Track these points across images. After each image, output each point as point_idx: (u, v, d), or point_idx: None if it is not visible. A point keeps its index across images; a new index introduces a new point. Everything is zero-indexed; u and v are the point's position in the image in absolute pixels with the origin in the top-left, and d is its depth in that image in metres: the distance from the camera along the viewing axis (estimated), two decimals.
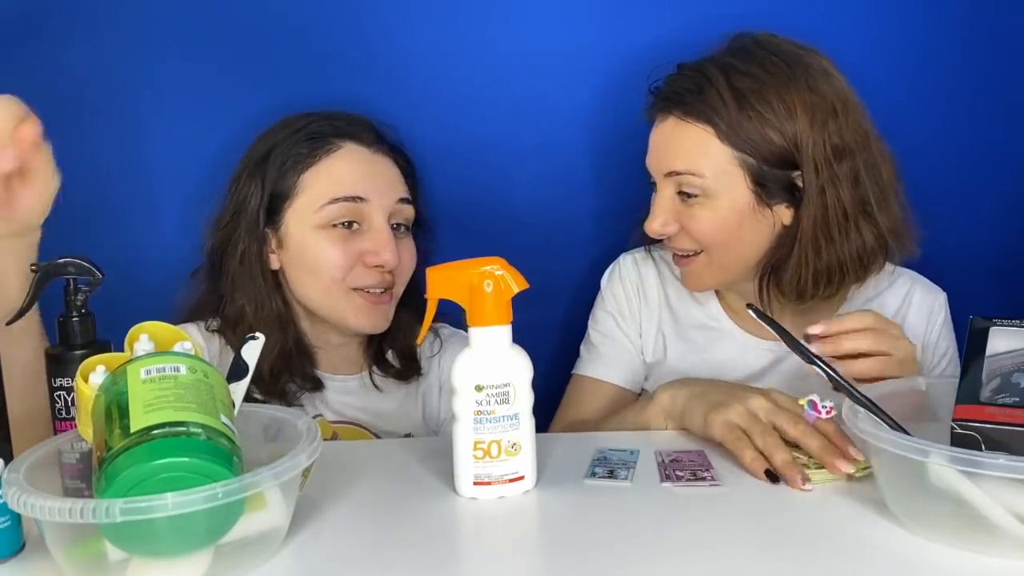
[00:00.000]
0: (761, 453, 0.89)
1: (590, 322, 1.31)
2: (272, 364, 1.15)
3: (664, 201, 1.14)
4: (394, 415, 1.25)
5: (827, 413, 0.90)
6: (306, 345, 1.20)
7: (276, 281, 1.18)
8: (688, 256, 1.16)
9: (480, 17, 1.36)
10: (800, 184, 1.09)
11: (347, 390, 1.23)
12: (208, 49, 1.33)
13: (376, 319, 1.17)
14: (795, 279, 1.11)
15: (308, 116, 1.19)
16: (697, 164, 1.10)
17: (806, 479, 0.85)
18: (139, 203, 1.35)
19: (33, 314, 0.91)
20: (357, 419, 1.22)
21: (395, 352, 1.25)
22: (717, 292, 1.25)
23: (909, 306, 1.22)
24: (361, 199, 1.14)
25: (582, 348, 1.31)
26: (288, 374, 1.17)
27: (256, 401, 1.14)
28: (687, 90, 1.12)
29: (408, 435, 1.24)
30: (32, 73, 1.31)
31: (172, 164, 1.35)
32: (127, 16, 1.31)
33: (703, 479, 0.89)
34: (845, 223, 1.09)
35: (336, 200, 1.13)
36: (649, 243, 1.27)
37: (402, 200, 1.18)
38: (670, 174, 1.12)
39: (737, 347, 1.22)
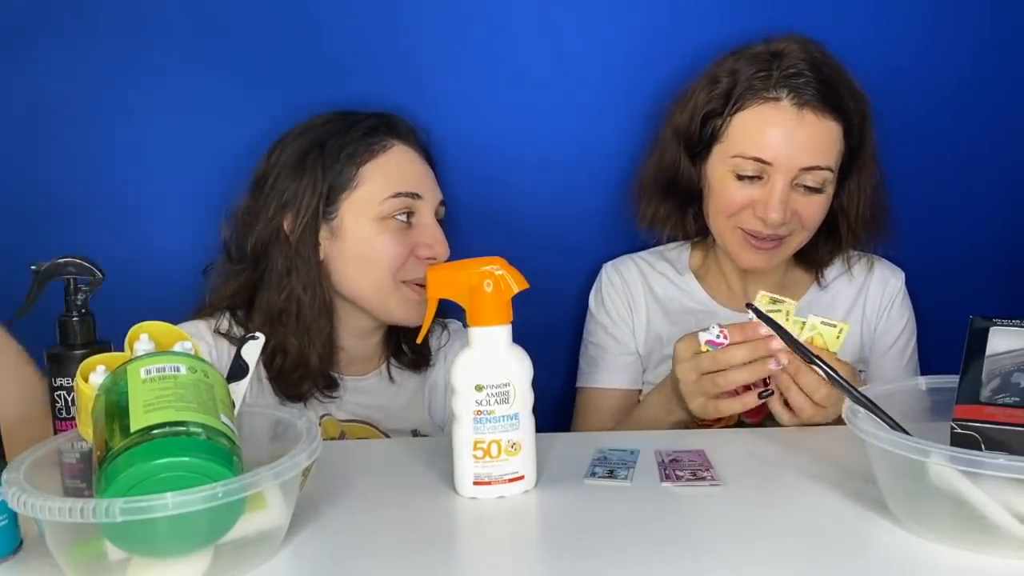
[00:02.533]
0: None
1: (584, 335, 1.37)
2: (320, 352, 1.17)
3: (785, 193, 1.16)
4: (402, 411, 1.26)
5: (725, 337, 0.99)
6: (331, 343, 1.20)
7: (322, 272, 1.19)
8: (779, 239, 1.19)
9: (482, 19, 1.35)
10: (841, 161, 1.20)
11: (360, 389, 1.24)
12: (216, 50, 1.33)
13: (421, 311, 1.20)
14: (831, 252, 1.28)
15: (354, 113, 1.22)
16: (830, 159, 1.17)
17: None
18: (140, 203, 1.35)
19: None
20: (367, 417, 1.23)
21: (408, 344, 1.27)
22: (698, 275, 1.32)
23: (871, 280, 1.31)
24: (418, 196, 1.19)
25: (581, 361, 1.36)
26: (323, 366, 1.18)
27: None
28: (822, 84, 1.15)
29: (415, 431, 1.25)
30: (33, 73, 1.31)
31: (173, 164, 1.34)
32: (131, 17, 1.31)
33: (703, 479, 0.89)
34: (870, 204, 1.25)
35: (399, 194, 1.17)
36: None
37: (441, 202, 1.23)
38: (805, 169, 1.15)
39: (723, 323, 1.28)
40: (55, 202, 1.33)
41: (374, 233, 1.16)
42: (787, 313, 0.98)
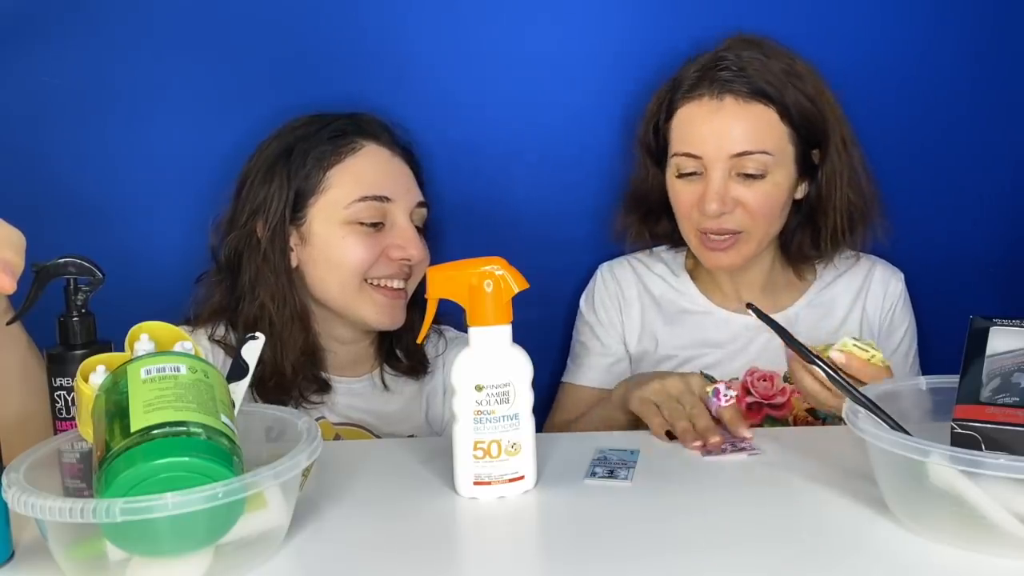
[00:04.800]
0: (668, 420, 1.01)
1: (573, 331, 1.38)
2: (295, 361, 1.16)
3: (720, 183, 1.17)
4: (398, 417, 1.25)
5: (726, 402, 1.00)
6: (317, 346, 1.20)
7: (293, 279, 1.18)
8: (727, 237, 1.20)
9: (481, 17, 1.35)
10: (815, 160, 1.21)
11: (353, 392, 1.23)
12: (210, 51, 1.33)
13: (394, 315, 1.19)
14: (816, 244, 1.25)
15: (325, 116, 1.21)
16: (765, 143, 1.16)
17: (698, 441, 0.97)
18: (140, 203, 1.35)
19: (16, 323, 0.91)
20: (361, 421, 1.22)
21: (403, 350, 1.26)
22: (693, 276, 1.32)
23: (871, 281, 1.30)
24: (387, 199, 1.17)
25: (569, 356, 1.38)
26: (301, 374, 1.18)
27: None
28: (742, 74, 1.16)
29: (411, 436, 1.24)
30: (33, 73, 1.31)
31: (173, 164, 1.34)
32: (129, 17, 1.31)
33: (742, 450, 0.94)
34: (851, 191, 1.22)
35: (365, 198, 1.15)
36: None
37: (420, 204, 1.21)
38: (737, 155, 1.16)
39: (719, 324, 1.29)
40: (55, 202, 1.33)
41: (340, 236, 1.15)
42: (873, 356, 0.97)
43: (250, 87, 1.34)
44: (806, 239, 1.26)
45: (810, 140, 1.20)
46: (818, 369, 0.91)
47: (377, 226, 1.16)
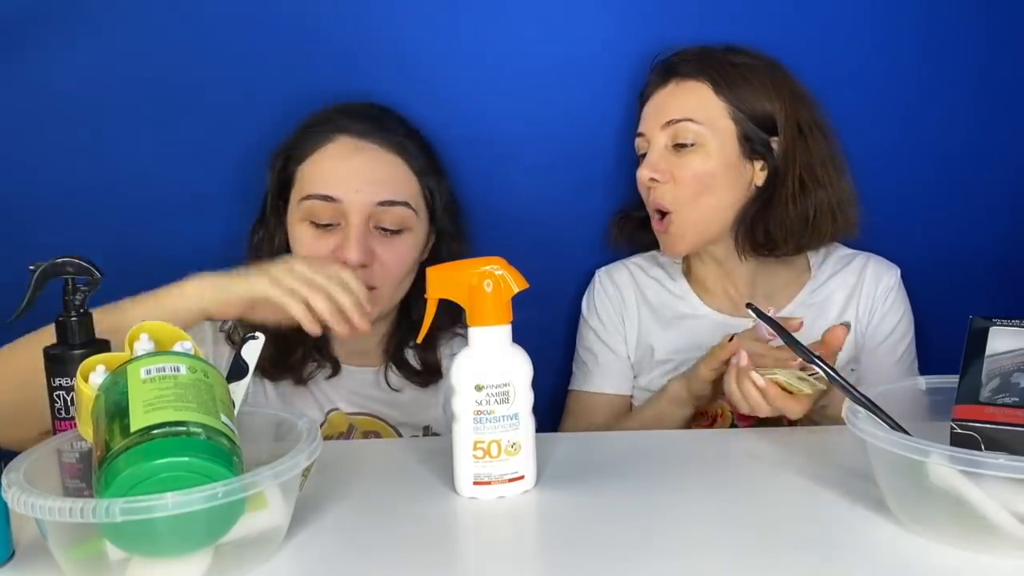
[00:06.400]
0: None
1: (577, 340, 1.37)
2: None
3: (655, 151, 1.22)
4: (413, 406, 1.23)
5: (773, 312, 1.01)
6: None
7: None
8: (664, 216, 1.23)
9: (483, 16, 1.35)
10: (775, 148, 1.21)
11: (365, 380, 1.22)
12: (211, 50, 1.32)
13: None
14: (767, 232, 1.21)
15: (325, 108, 1.22)
16: (693, 112, 1.21)
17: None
18: (139, 203, 1.35)
19: None
20: (375, 410, 1.22)
21: (417, 355, 1.25)
22: (689, 280, 1.32)
23: (864, 277, 1.30)
24: (333, 199, 1.13)
25: (573, 365, 1.37)
26: (310, 349, 1.18)
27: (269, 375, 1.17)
28: (685, 59, 1.24)
29: (427, 427, 1.23)
30: (33, 73, 1.31)
31: (173, 164, 1.34)
32: (129, 16, 1.31)
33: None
34: (808, 178, 1.21)
35: (309, 197, 1.14)
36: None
37: (385, 203, 1.14)
38: (667, 124, 1.21)
39: (715, 327, 1.28)
40: (54, 202, 1.33)
41: (297, 233, 1.16)
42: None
43: (251, 87, 1.33)
44: (759, 225, 1.21)
45: (758, 122, 1.21)
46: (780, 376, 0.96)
47: (329, 226, 1.14)
